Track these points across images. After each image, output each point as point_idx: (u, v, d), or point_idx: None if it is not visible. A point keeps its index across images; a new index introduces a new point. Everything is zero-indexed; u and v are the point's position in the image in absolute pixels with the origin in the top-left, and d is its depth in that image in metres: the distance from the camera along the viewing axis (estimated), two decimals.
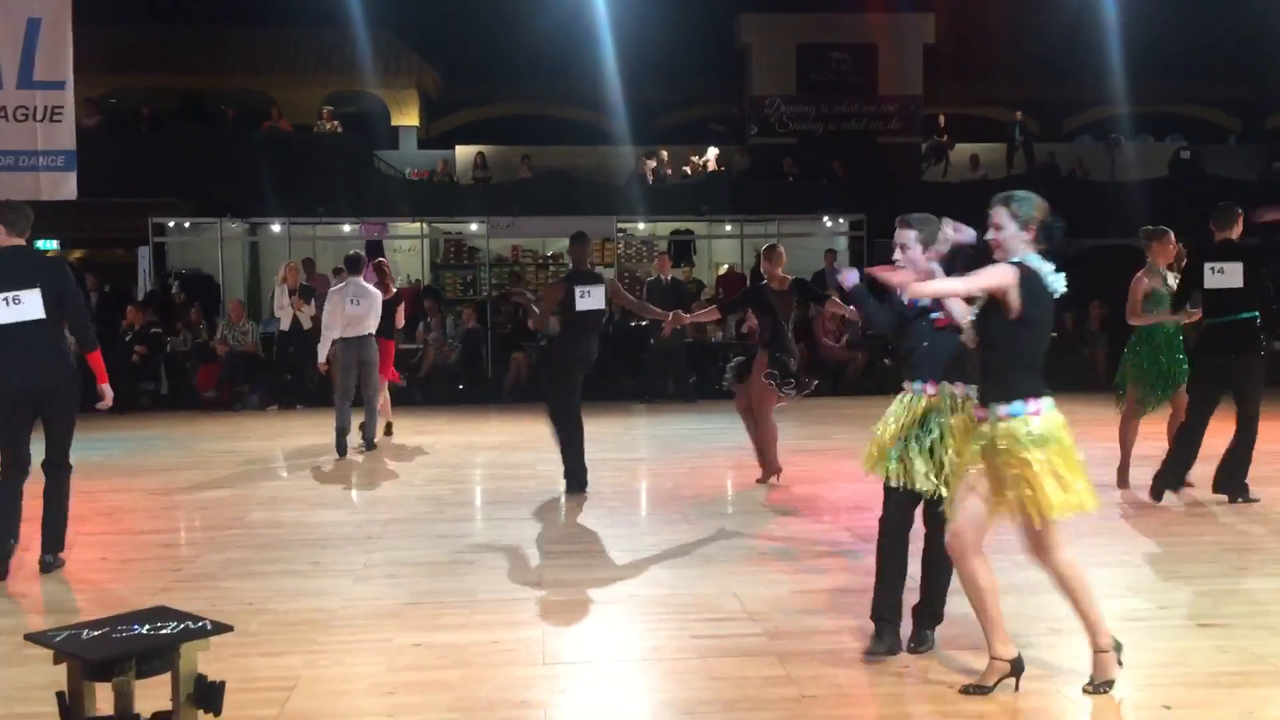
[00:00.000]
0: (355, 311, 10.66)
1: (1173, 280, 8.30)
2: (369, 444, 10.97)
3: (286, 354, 14.85)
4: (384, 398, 11.67)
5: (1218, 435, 7.98)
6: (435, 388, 15.97)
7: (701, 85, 26.47)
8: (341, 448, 10.59)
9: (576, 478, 8.53)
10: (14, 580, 6.25)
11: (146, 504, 8.51)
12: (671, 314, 9.20)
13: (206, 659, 3.38)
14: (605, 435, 11.32)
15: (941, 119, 23.31)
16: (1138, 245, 8.68)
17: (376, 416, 11.12)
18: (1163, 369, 8.28)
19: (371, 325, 10.76)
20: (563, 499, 8.45)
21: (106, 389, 6.82)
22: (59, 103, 12.28)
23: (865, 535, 7.05)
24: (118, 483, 9.36)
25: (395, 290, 11.73)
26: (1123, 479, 8.55)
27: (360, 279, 10.83)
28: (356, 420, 10.90)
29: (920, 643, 4.88)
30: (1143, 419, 8.57)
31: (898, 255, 4.91)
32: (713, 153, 21.26)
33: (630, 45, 21.72)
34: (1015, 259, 4.31)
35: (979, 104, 26.90)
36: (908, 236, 4.90)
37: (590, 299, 8.40)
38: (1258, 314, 7.82)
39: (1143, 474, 8.40)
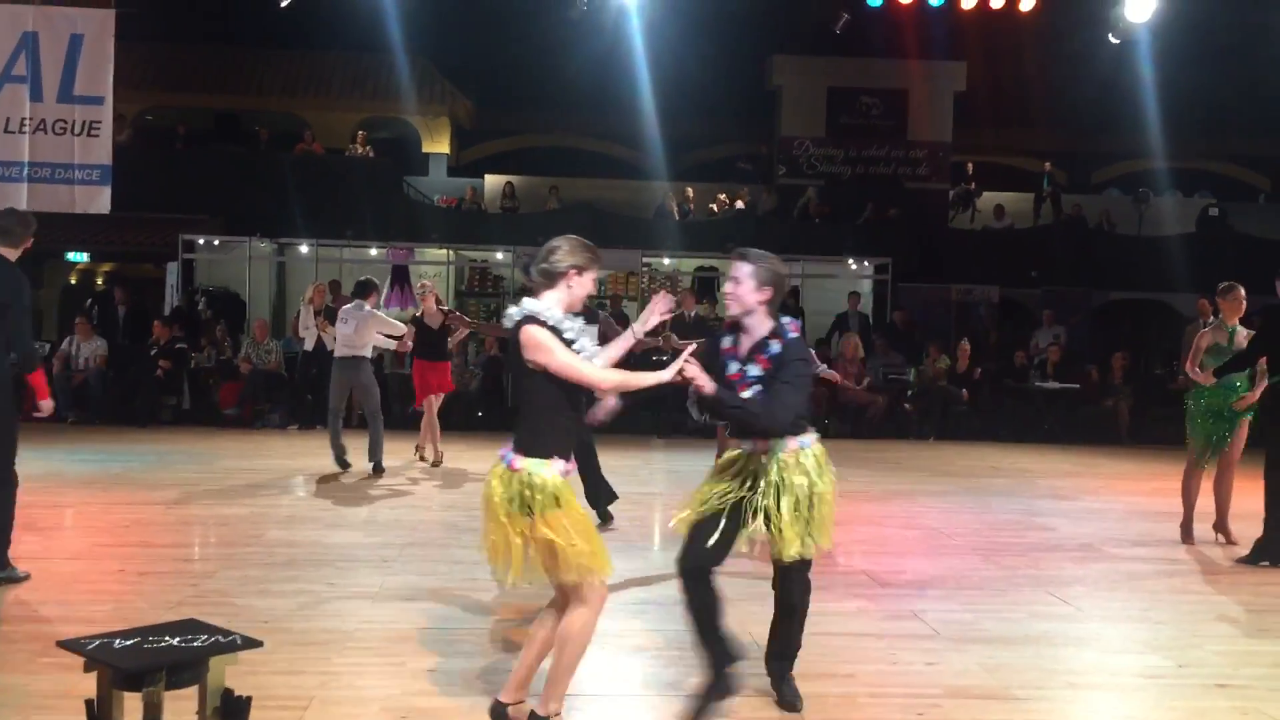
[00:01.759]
0: (344, 331, 10.90)
1: (1241, 338, 8.13)
2: (377, 467, 10.99)
3: (309, 374, 14.90)
4: (434, 421, 11.91)
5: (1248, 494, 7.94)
6: (455, 414, 16.00)
7: (731, 124, 26.60)
8: (342, 463, 10.95)
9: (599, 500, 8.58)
10: (28, 590, 6.27)
11: (164, 518, 8.54)
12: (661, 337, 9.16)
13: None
14: (622, 469, 11.30)
15: (970, 166, 23.36)
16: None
17: (381, 437, 11.07)
18: (1220, 421, 8.18)
19: (362, 347, 10.90)
20: None
21: (46, 404, 6.71)
22: (97, 118, 12.46)
23: (882, 579, 7.02)
24: (137, 495, 9.40)
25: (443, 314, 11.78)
26: (1187, 535, 8.46)
27: (365, 303, 10.96)
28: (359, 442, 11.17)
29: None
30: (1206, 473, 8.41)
31: (728, 288, 4.59)
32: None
33: (663, 82, 21.86)
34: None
35: (1008, 153, 26.94)
36: (743, 271, 4.56)
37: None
38: None
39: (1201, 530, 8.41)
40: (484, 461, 12.46)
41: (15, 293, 6.34)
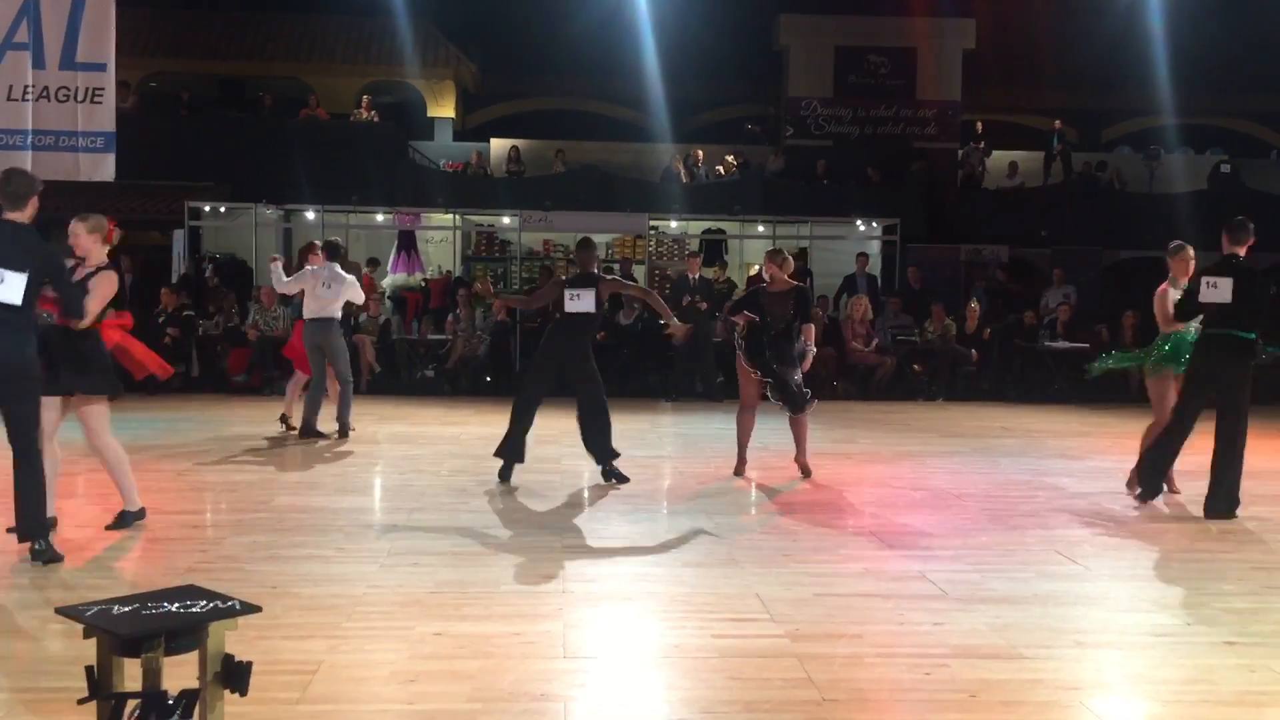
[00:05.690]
0: (325, 295, 10.95)
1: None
2: (343, 430, 11.10)
3: None
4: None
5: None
6: (463, 379, 16.04)
7: (738, 85, 26.42)
8: (315, 432, 11.04)
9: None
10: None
11: (174, 485, 8.57)
12: (684, 328, 9.35)
13: (231, 640, 3.40)
14: (631, 432, 11.32)
15: (979, 125, 23.19)
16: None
17: (350, 400, 11.22)
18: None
19: (336, 309, 11.00)
20: (586, 493, 8.48)
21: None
22: (100, 84, 12.39)
23: (890, 540, 7.02)
24: (146, 463, 9.42)
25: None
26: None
27: (337, 266, 11.10)
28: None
29: None
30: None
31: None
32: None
33: (668, 43, 21.70)
34: None
35: (1018, 111, 26.72)
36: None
37: (579, 302, 8.59)
38: (1249, 333, 7.80)
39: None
40: (493, 427, 12.48)
41: (45, 258, 5.90)
